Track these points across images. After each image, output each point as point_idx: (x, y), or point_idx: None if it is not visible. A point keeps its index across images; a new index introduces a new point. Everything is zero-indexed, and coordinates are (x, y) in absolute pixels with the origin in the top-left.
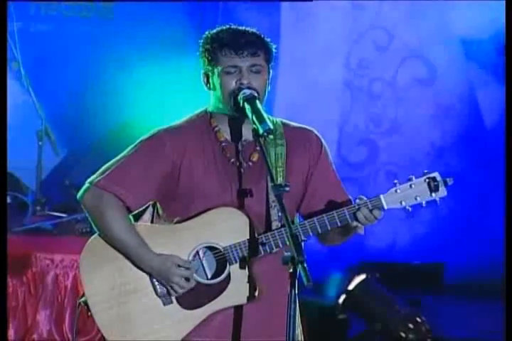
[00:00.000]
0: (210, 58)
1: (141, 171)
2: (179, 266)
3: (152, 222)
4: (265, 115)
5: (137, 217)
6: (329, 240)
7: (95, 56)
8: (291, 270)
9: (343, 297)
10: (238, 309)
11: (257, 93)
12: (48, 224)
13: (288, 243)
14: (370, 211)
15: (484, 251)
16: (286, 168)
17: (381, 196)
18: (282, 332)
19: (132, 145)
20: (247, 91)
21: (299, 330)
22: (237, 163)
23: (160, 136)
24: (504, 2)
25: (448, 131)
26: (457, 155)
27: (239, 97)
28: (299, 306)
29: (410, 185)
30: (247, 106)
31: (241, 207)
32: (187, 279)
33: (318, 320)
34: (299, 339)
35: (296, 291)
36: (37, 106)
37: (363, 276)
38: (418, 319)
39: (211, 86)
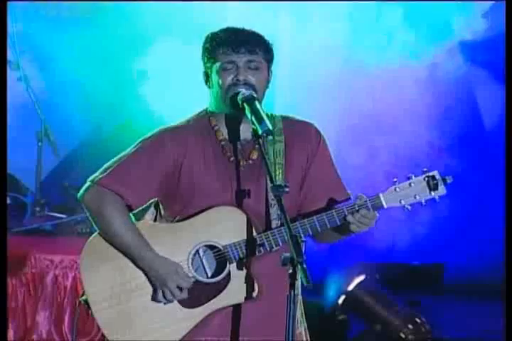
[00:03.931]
0: (209, 56)
1: (142, 170)
2: (179, 274)
3: (155, 221)
4: (264, 115)
5: (139, 218)
6: (324, 238)
7: (95, 56)
8: (290, 271)
9: (342, 297)
10: (238, 308)
11: (255, 90)
12: (47, 225)
13: (287, 242)
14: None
15: (484, 251)
16: (286, 164)
17: (380, 195)
18: (282, 330)
19: (133, 145)
20: (247, 92)
21: (302, 328)
22: (237, 162)
23: (161, 136)
24: (504, 2)
25: (447, 131)
26: (457, 155)
27: (238, 98)
28: (303, 305)
29: (410, 184)
30: (246, 107)
31: (241, 205)
32: (181, 289)
33: (318, 320)
34: (304, 338)
35: (297, 292)
36: (36, 107)
37: (362, 277)
38: (418, 319)
39: (210, 84)
